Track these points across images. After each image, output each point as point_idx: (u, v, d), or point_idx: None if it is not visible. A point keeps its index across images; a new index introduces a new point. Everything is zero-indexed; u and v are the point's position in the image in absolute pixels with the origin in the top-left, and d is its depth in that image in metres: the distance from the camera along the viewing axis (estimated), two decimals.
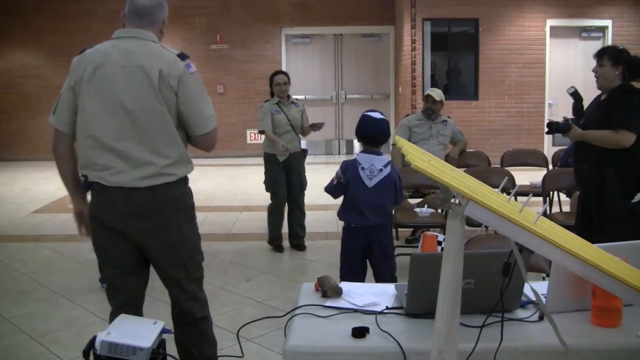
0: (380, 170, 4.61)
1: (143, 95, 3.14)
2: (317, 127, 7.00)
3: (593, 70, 4.93)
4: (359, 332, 2.61)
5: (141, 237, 3.31)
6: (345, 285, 3.08)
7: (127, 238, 3.32)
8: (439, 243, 4.31)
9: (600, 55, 4.91)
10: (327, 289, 3.01)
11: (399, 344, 2.51)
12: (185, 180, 3.35)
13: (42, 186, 11.60)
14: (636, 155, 4.79)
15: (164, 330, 3.30)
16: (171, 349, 3.59)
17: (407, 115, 8.16)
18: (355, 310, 2.85)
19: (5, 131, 15.36)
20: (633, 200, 4.70)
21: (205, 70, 14.74)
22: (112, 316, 3.50)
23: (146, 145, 3.17)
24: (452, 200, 1.97)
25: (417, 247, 6.82)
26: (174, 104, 3.19)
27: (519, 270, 2.08)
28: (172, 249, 3.37)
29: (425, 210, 6.40)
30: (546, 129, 5.07)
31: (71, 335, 5.00)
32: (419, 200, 7.14)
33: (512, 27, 13.11)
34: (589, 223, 4.95)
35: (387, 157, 4.72)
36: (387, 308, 2.86)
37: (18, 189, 11.84)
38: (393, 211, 5.39)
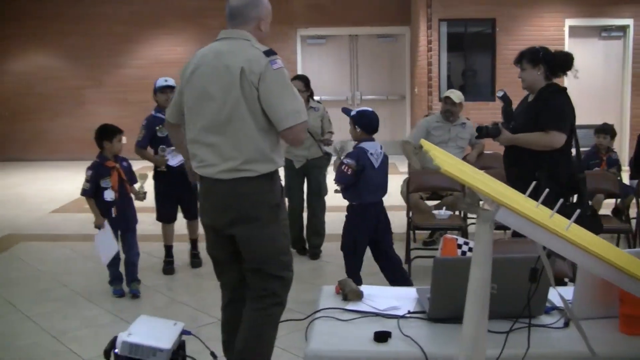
0: (380, 152, 5.37)
1: (227, 94, 3.29)
2: (325, 142, 6.85)
3: (518, 77, 4.98)
4: (382, 337, 2.59)
5: (223, 229, 3.48)
6: (366, 289, 3.07)
7: (216, 230, 3.53)
8: (459, 246, 4.28)
9: (519, 60, 4.98)
10: (348, 292, 2.99)
11: (421, 349, 2.49)
12: (268, 177, 3.40)
13: (60, 186, 11.66)
14: (567, 155, 4.81)
15: (184, 332, 3.31)
16: (191, 349, 3.59)
17: (426, 116, 8.12)
18: (376, 314, 2.84)
19: (25, 132, 15.44)
20: (568, 203, 4.69)
21: None
22: (222, 312, 3.79)
23: (231, 141, 3.32)
24: (480, 205, 1.95)
25: (435, 249, 6.83)
26: (256, 101, 3.28)
27: (544, 276, 2.05)
28: (250, 243, 3.46)
29: (444, 213, 6.37)
30: (476, 134, 5.08)
31: (90, 334, 5.02)
32: (436, 202, 7.11)
33: (529, 27, 13.03)
34: None
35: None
36: (409, 312, 2.84)
37: (37, 188, 11.89)
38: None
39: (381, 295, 3.03)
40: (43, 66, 15.43)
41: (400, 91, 15.02)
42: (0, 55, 15.42)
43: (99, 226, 5.62)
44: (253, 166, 3.34)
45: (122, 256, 5.85)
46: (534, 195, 4.68)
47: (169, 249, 6.62)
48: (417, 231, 7.02)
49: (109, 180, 5.62)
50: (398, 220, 8.37)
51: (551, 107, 4.77)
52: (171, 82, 6.32)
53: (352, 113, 5.47)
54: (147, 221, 7.69)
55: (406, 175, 7.66)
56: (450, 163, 1.90)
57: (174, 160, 6.31)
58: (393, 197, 9.45)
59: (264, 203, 3.40)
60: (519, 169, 4.89)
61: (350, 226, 5.42)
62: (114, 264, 5.77)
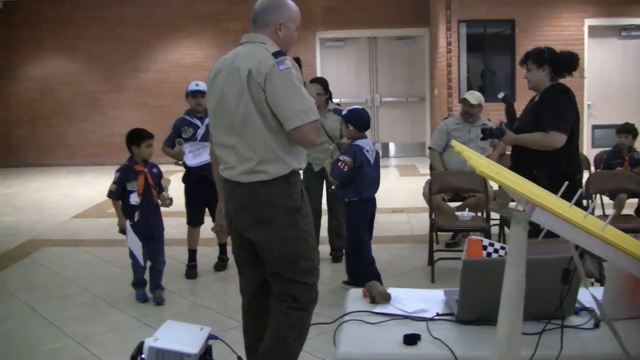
0: (373, 149, 5.67)
1: (237, 95, 3.32)
2: (342, 147, 6.82)
3: (524, 77, 5.04)
4: (411, 339, 2.57)
5: (243, 232, 3.51)
6: (393, 292, 3.05)
7: (238, 233, 3.58)
8: (484, 247, 4.24)
9: (524, 60, 5.02)
10: (375, 295, 2.98)
11: (452, 352, 2.47)
12: (284, 179, 3.39)
13: (80, 191, 11.71)
14: (569, 155, 4.83)
15: (210, 336, 3.30)
16: (217, 354, 3.59)
17: (445, 118, 8.10)
18: (405, 317, 2.82)
19: (44, 137, 15.51)
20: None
21: None
22: (243, 317, 3.81)
23: (247, 142, 3.35)
24: (511, 205, 1.93)
25: (458, 250, 6.80)
26: (264, 102, 3.29)
27: (575, 277, 2.03)
28: (267, 246, 3.47)
29: (467, 214, 6.34)
30: (480, 135, 5.10)
31: (114, 339, 5.02)
32: (458, 203, 7.08)
33: (549, 28, 12.94)
34: None
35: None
36: (437, 314, 2.82)
37: (57, 194, 11.94)
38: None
39: (409, 298, 3.00)
40: (61, 71, 15.49)
41: (420, 93, 14.98)
42: (19, 61, 15.50)
43: (122, 228, 5.61)
44: (266, 167, 3.33)
45: (148, 264, 5.82)
46: None
47: (192, 253, 6.62)
48: (439, 233, 6.98)
49: (135, 184, 5.61)
50: (419, 222, 8.39)
51: (552, 107, 4.80)
52: (202, 86, 6.36)
53: (343, 112, 5.78)
54: (170, 225, 7.72)
55: (428, 177, 7.66)
56: (485, 164, 1.88)
57: (194, 160, 6.34)
58: (415, 199, 9.49)
59: (280, 206, 3.38)
60: (522, 169, 4.84)
61: (353, 223, 5.66)
62: (140, 267, 5.75)
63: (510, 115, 5.22)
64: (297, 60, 3.44)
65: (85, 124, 15.28)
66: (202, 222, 6.61)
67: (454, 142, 2.54)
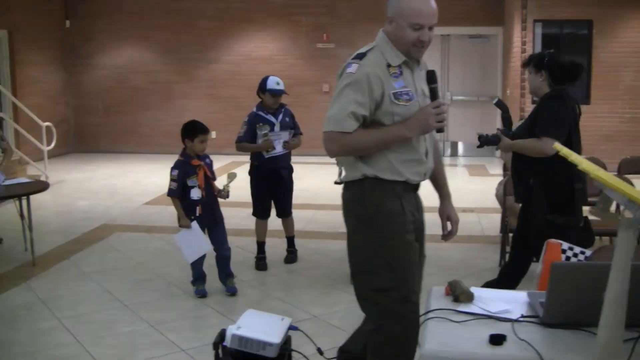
0: None
1: None
2: None
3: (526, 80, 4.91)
4: (497, 339, 2.55)
5: None
6: (475, 291, 3.03)
7: None
8: (563, 251, 4.19)
9: (526, 63, 4.85)
10: (459, 294, 2.96)
11: (538, 354, 2.45)
12: (358, 185, 3.22)
13: (151, 179, 11.88)
14: (566, 164, 4.59)
15: (290, 327, 3.32)
16: (295, 345, 3.61)
17: (520, 119, 7.98)
18: (489, 317, 2.80)
19: (117, 125, 15.80)
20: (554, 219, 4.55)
21: (311, 69, 14.84)
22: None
23: None
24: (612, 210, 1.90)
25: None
26: None
27: None
28: (348, 251, 3.36)
29: None
30: (478, 142, 4.94)
31: (187, 325, 5.12)
32: None
33: (628, 29, 12.63)
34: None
35: None
36: (521, 316, 2.79)
37: (129, 180, 12.16)
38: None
39: (492, 298, 2.99)
40: (135, 60, 15.76)
41: (491, 92, 14.76)
42: (95, 50, 15.83)
43: (185, 227, 5.56)
44: (344, 170, 3.31)
45: (209, 254, 5.79)
46: (528, 203, 4.70)
47: (261, 245, 6.65)
48: (510, 234, 6.90)
49: (195, 178, 5.53)
50: (489, 222, 8.30)
51: (545, 113, 4.65)
52: (282, 86, 6.37)
53: None
54: (239, 215, 7.81)
55: (500, 178, 7.57)
56: (596, 168, 1.86)
57: (267, 152, 6.38)
58: (485, 199, 9.40)
59: (352, 212, 3.27)
60: (517, 176, 4.83)
61: None
62: (198, 262, 5.70)
63: (506, 121, 5.11)
64: (431, 73, 3.28)
65: (157, 112, 15.51)
66: (269, 214, 6.65)
67: (557, 146, 2.49)
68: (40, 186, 7.04)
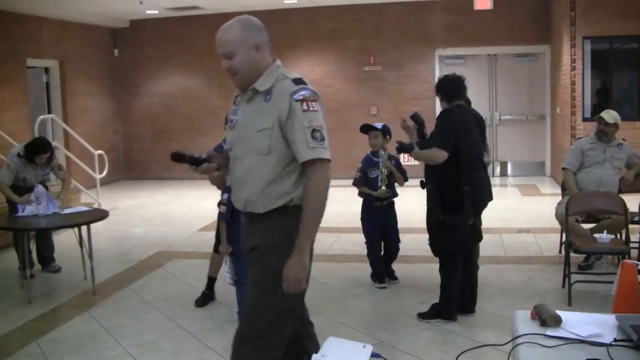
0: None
1: None
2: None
3: None
4: None
5: None
6: (563, 315, 2.97)
7: None
8: (639, 272, 4.10)
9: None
10: (546, 318, 2.90)
11: None
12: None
13: (204, 204, 11.85)
14: (456, 169, 5.29)
15: (373, 354, 3.30)
16: None
17: (579, 138, 7.88)
18: (580, 341, 2.73)
19: (166, 151, 15.85)
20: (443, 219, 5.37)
21: (358, 92, 14.84)
22: None
23: None
24: None
25: (592, 273, 6.63)
26: None
27: None
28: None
29: (605, 236, 6.13)
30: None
31: None
32: (591, 225, 6.85)
33: None
34: None
35: None
36: (614, 340, 2.73)
37: (182, 206, 12.25)
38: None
39: (579, 321, 2.92)
40: (181, 87, 15.94)
41: (540, 111, 14.62)
42: (143, 77, 16.07)
43: (224, 252, 5.54)
44: None
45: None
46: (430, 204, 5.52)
47: None
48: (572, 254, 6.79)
49: None
50: (547, 242, 8.18)
51: (437, 126, 5.45)
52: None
53: (378, 126, 6.67)
54: None
55: (554, 197, 7.46)
56: None
57: None
58: (540, 220, 9.29)
59: None
60: (424, 181, 5.64)
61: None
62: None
63: (420, 133, 5.70)
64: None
65: (205, 138, 15.56)
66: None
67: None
68: (101, 214, 7.05)
